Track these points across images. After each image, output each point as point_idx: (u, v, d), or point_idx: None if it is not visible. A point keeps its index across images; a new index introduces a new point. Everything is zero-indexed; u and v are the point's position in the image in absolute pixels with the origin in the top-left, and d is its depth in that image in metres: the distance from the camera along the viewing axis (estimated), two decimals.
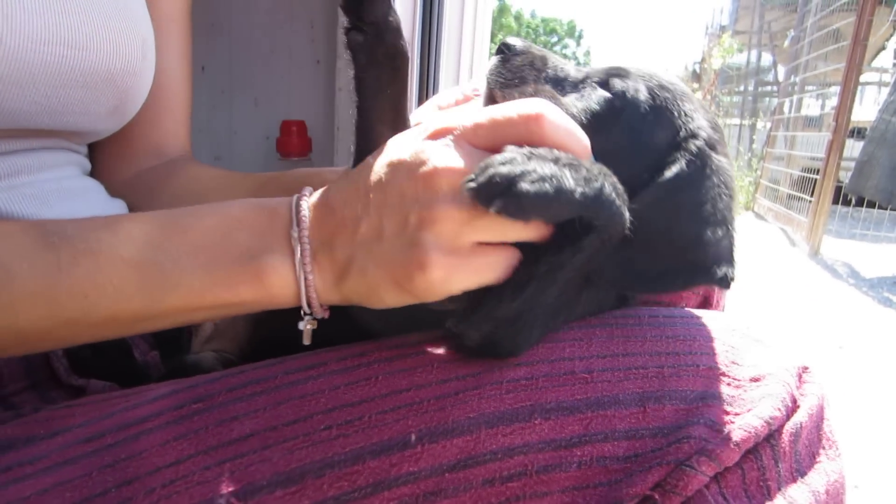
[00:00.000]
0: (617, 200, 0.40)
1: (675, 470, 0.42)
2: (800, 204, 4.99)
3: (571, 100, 0.53)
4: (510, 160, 0.38)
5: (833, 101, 4.92)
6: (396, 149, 0.44)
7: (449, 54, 1.62)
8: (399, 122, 0.55)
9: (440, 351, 0.48)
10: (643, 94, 0.51)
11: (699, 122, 0.50)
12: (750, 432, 0.43)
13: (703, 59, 11.26)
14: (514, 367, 0.46)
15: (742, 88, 8.83)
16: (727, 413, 0.45)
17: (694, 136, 0.49)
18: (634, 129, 0.50)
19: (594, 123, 0.50)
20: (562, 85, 0.54)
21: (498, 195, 0.37)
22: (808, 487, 0.44)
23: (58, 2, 0.54)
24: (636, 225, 0.44)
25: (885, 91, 4.69)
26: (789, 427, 0.45)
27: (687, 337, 0.50)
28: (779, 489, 0.43)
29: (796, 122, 5.78)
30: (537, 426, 0.43)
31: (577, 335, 0.49)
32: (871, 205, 4.74)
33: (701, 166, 0.48)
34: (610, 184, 0.40)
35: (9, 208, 0.57)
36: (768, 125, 7.04)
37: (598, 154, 0.44)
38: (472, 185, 0.38)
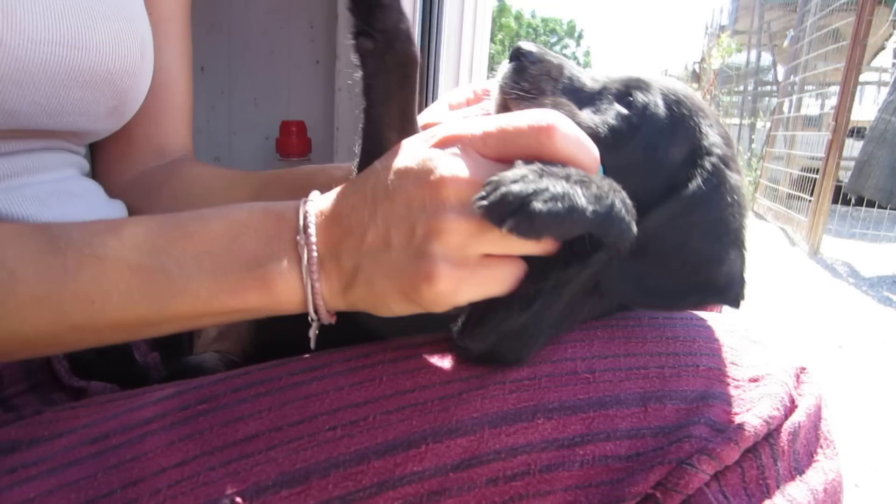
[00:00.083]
0: (626, 217, 0.40)
1: (676, 468, 0.42)
2: (799, 203, 4.99)
3: (588, 114, 0.51)
4: (522, 178, 0.38)
5: (832, 101, 4.93)
6: (403, 155, 0.43)
7: (449, 54, 1.62)
8: (407, 127, 0.54)
9: (444, 352, 0.48)
10: (661, 110, 0.50)
11: (713, 138, 0.50)
12: (749, 432, 0.44)
13: (702, 59, 11.26)
14: (517, 367, 0.46)
15: (742, 88, 8.84)
16: (727, 413, 0.45)
17: (709, 153, 0.49)
18: (651, 144, 0.49)
19: (611, 138, 0.49)
20: (578, 96, 0.52)
21: (510, 214, 0.37)
22: (807, 486, 0.44)
23: (58, 2, 0.54)
24: (650, 241, 0.44)
25: (885, 91, 4.69)
26: (788, 426, 0.46)
27: (687, 338, 0.50)
28: (778, 487, 0.44)
29: (796, 122, 5.78)
30: (540, 426, 0.43)
31: (578, 336, 0.49)
32: (871, 204, 4.75)
33: (716, 184, 0.48)
34: (620, 200, 0.40)
35: (8, 209, 0.57)
36: (768, 125, 7.04)
37: (613, 168, 0.44)
38: (484, 203, 0.38)
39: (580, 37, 44.02)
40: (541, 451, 0.43)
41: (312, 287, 0.44)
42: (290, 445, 0.43)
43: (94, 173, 0.80)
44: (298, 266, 0.44)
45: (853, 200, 4.75)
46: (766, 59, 8.25)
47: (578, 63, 0.57)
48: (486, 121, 0.42)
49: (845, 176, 4.70)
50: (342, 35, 1.59)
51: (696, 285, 0.48)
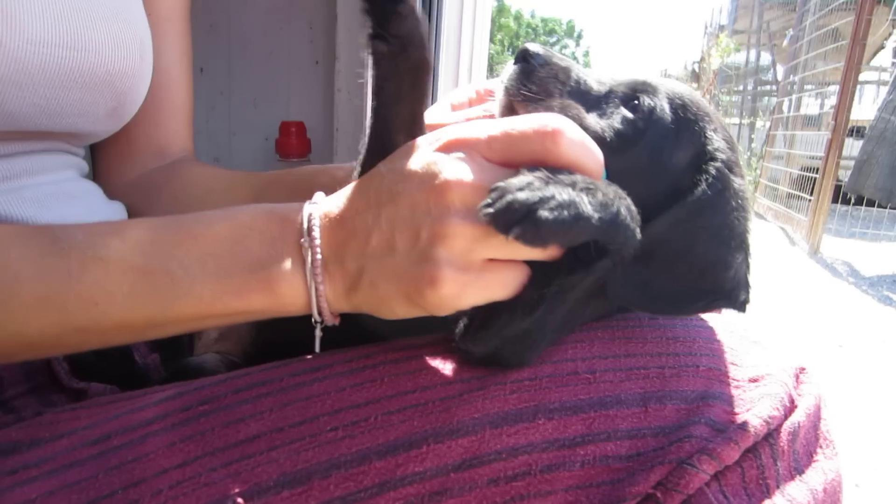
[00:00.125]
0: (631, 224, 0.40)
1: (677, 468, 0.43)
2: (799, 203, 5.00)
3: (595, 118, 0.51)
4: (528, 185, 0.38)
5: (832, 100, 4.93)
6: (408, 159, 0.43)
7: (448, 55, 1.62)
8: (416, 130, 0.53)
9: (445, 353, 0.48)
10: (667, 115, 0.50)
11: (718, 142, 0.50)
12: (749, 432, 0.44)
13: (702, 59, 11.27)
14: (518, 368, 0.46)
15: (741, 88, 8.84)
16: (727, 413, 0.45)
17: (714, 157, 0.49)
18: (656, 149, 0.49)
19: (618, 142, 0.49)
20: (585, 100, 0.52)
21: (516, 222, 0.37)
22: (806, 486, 0.45)
23: (57, 3, 0.54)
24: (655, 246, 0.44)
25: (884, 90, 4.69)
26: (787, 426, 0.46)
27: (687, 338, 0.50)
28: (777, 487, 0.44)
29: (795, 122, 5.79)
30: (541, 426, 0.44)
31: (579, 337, 0.49)
32: (871, 203, 4.75)
33: (721, 189, 0.48)
34: (625, 207, 0.40)
35: (7, 211, 0.57)
36: (767, 124, 7.05)
37: (619, 172, 0.44)
38: (490, 210, 0.38)
39: (579, 37, 44.05)
40: (542, 451, 0.43)
41: (316, 289, 0.44)
42: (292, 446, 0.43)
43: (94, 175, 0.80)
44: (302, 268, 0.44)
45: (853, 200, 4.75)
46: (766, 58, 8.26)
47: (578, 63, 0.56)
48: (491, 125, 0.42)
49: (845, 175, 4.71)
50: (341, 36, 1.60)
51: (703, 290, 0.48)
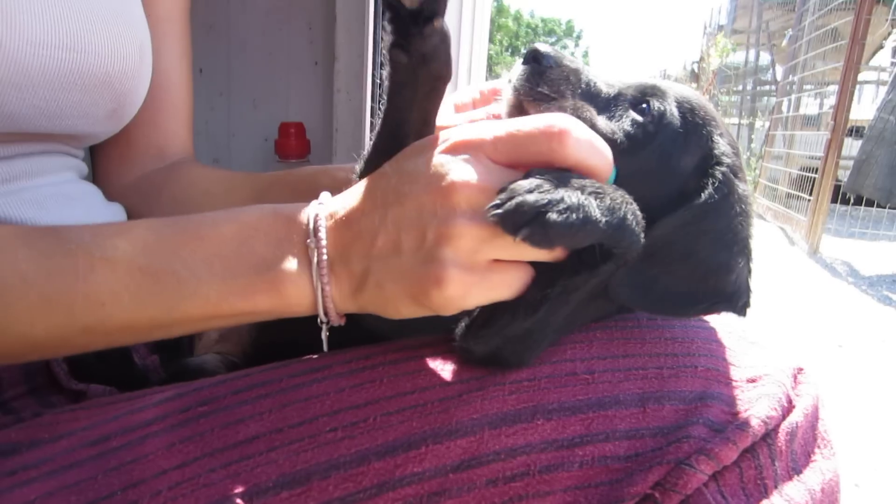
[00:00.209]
0: (637, 229, 0.41)
1: (675, 469, 0.43)
2: (799, 203, 5.00)
3: (605, 120, 0.51)
4: (537, 187, 0.38)
5: (831, 100, 4.93)
6: (414, 160, 0.44)
7: None
8: (426, 133, 0.53)
9: (444, 354, 0.48)
10: (676, 118, 0.50)
11: (724, 147, 0.50)
12: (747, 432, 0.44)
13: (701, 59, 11.27)
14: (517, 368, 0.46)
15: (740, 88, 8.85)
16: (725, 413, 0.45)
17: (719, 162, 0.49)
18: (666, 152, 0.49)
19: (628, 145, 0.49)
20: (595, 102, 0.52)
21: (524, 224, 0.37)
22: (804, 486, 0.45)
23: (57, 5, 0.54)
24: (659, 248, 0.44)
25: (883, 90, 4.70)
26: (785, 426, 0.46)
27: (685, 339, 0.51)
28: (775, 487, 0.44)
29: (795, 122, 5.79)
30: (539, 426, 0.44)
31: (577, 337, 0.49)
32: (870, 203, 4.76)
33: (726, 194, 0.48)
34: (631, 212, 0.41)
35: (6, 213, 0.57)
36: (767, 124, 7.05)
37: (628, 175, 0.44)
38: (499, 211, 0.38)
39: (579, 37, 44.06)
40: (540, 451, 0.43)
41: (322, 290, 0.44)
42: (291, 447, 0.43)
43: (94, 176, 0.79)
44: (308, 269, 0.44)
45: (852, 199, 4.76)
46: (765, 58, 8.27)
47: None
48: (497, 126, 0.42)
49: (844, 175, 4.71)
50: (341, 36, 1.60)
51: (705, 293, 0.48)
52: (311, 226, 0.45)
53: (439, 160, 0.42)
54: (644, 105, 0.51)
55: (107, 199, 0.74)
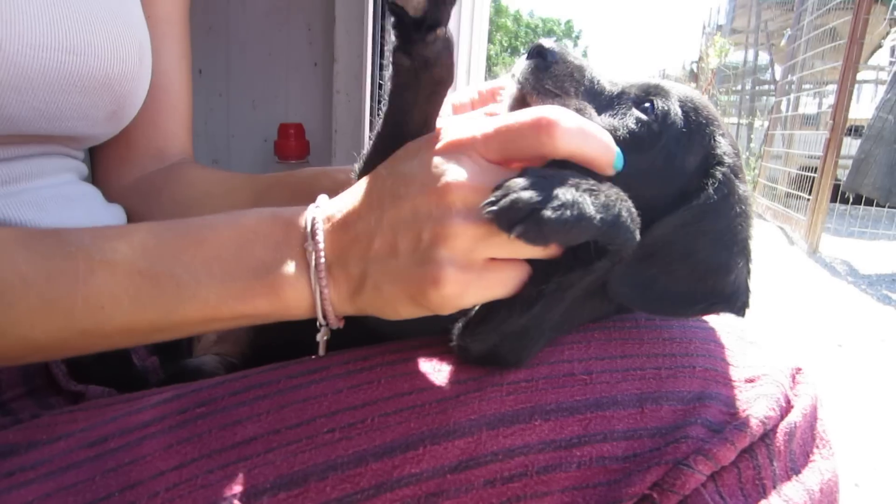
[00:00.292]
0: (631, 226, 0.41)
1: (673, 469, 0.43)
2: (798, 202, 5.00)
3: (608, 118, 0.51)
4: (531, 184, 0.38)
5: (830, 100, 4.93)
6: (408, 162, 0.44)
7: None
8: (426, 132, 0.52)
9: (441, 355, 0.48)
10: (680, 118, 0.50)
11: (725, 147, 0.50)
12: (745, 432, 0.44)
13: (700, 59, 11.27)
14: (515, 369, 0.46)
15: (739, 87, 8.85)
16: (723, 413, 0.45)
17: (720, 162, 0.49)
18: (670, 152, 0.49)
19: (632, 144, 0.49)
20: (599, 100, 0.52)
21: (519, 221, 0.37)
22: (803, 486, 0.45)
23: (57, 7, 0.54)
24: (659, 248, 0.44)
25: (882, 89, 4.70)
26: (784, 427, 0.46)
27: (683, 339, 0.51)
28: (774, 487, 0.44)
29: (794, 121, 5.79)
30: (537, 427, 0.44)
31: (575, 338, 0.49)
32: (869, 202, 4.76)
33: (726, 194, 0.48)
34: (626, 210, 0.41)
35: (6, 215, 0.57)
36: (766, 124, 7.06)
37: (634, 174, 0.44)
38: (494, 209, 0.38)
39: (578, 37, 44.06)
40: (538, 452, 0.43)
41: (321, 293, 0.44)
42: (289, 448, 0.43)
43: (94, 178, 0.80)
44: (307, 272, 0.44)
45: (851, 199, 4.76)
46: (764, 58, 8.28)
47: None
48: (485, 123, 0.43)
49: (843, 174, 4.71)
50: (340, 37, 1.60)
51: (704, 293, 0.48)
52: (309, 229, 0.45)
53: (433, 161, 0.42)
54: (647, 104, 0.51)
55: (106, 201, 0.74)
